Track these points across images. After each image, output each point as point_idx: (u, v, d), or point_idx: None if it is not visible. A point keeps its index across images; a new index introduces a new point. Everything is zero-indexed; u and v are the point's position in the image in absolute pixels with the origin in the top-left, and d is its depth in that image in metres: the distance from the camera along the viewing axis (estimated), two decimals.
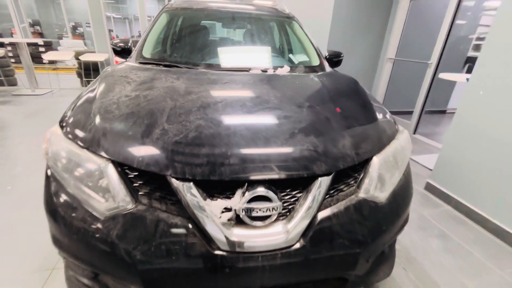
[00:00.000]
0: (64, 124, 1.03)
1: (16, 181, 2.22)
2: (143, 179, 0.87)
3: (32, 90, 5.18)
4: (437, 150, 3.36)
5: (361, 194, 0.96)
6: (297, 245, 0.86)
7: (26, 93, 5.06)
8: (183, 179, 0.81)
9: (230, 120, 1.01)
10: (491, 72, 1.91)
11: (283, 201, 0.87)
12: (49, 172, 0.96)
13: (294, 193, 0.89)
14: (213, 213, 0.81)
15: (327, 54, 2.08)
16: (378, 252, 1.02)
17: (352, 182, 0.99)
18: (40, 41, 6.44)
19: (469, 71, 5.22)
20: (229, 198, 0.84)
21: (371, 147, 1.03)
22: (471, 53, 5.04)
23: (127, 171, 0.87)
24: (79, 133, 0.95)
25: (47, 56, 5.19)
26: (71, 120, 1.03)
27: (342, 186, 0.97)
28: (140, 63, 1.59)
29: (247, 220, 0.82)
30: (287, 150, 0.90)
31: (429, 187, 2.41)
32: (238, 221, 0.85)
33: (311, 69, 1.77)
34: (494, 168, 1.90)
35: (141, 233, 0.81)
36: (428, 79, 3.53)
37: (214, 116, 1.00)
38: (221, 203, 0.82)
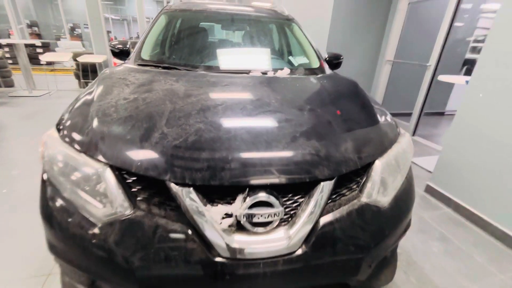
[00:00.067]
0: (61, 127, 1.01)
1: (12, 184, 2.19)
2: (142, 184, 0.85)
3: (29, 91, 5.14)
4: (436, 152, 3.36)
5: (364, 199, 0.95)
6: (299, 251, 0.84)
7: (23, 95, 5.02)
8: (183, 184, 0.79)
9: (231, 123, 0.99)
10: (491, 74, 1.91)
11: (284, 206, 0.85)
12: (45, 177, 0.94)
13: (296, 198, 0.88)
14: (213, 219, 0.79)
15: (327, 56, 2.07)
16: (381, 257, 1.01)
17: (354, 186, 0.98)
18: (37, 42, 6.40)
19: (467, 73, 5.25)
20: (230, 203, 0.83)
21: (373, 150, 1.01)
22: (468, 55, 5.07)
23: (125, 176, 0.85)
24: (76, 136, 0.93)
25: (44, 57, 5.15)
26: (68, 123, 1.01)
27: (344, 191, 0.96)
28: (139, 65, 1.58)
29: (248, 226, 0.81)
30: (288, 154, 0.88)
31: (429, 190, 2.41)
32: (238, 227, 0.83)
33: (311, 71, 1.76)
34: (494, 170, 1.90)
35: (139, 239, 0.79)
36: (427, 81, 3.54)
37: (214, 119, 0.98)
38: (221, 208, 0.81)
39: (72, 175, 0.86)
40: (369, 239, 0.92)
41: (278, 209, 0.81)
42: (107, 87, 1.21)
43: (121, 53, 1.84)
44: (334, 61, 2.06)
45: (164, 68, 1.53)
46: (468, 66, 5.33)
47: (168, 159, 0.82)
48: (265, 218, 0.80)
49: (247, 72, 1.55)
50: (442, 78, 2.82)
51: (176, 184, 0.79)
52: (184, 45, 1.90)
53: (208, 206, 0.81)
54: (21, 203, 1.96)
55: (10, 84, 5.50)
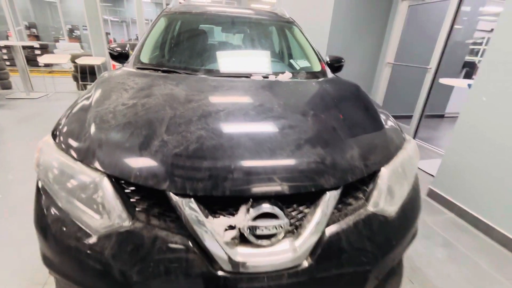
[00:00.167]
0: (57, 133, 0.98)
1: (7, 190, 2.15)
2: (141, 195, 0.81)
3: (26, 93, 5.09)
4: (438, 155, 3.34)
5: (370, 208, 0.92)
6: (305, 264, 0.81)
7: (20, 97, 4.97)
8: (184, 195, 0.76)
9: (233, 130, 0.96)
10: (494, 77, 1.89)
11: (289, 217, 0.82)
12: (40, 185, 0.91)
13: (300, 208, 0.85)
14: (215, 232, 0.76)
15: (328, 59, 2.05)
16: (388, 269, 0.97)
17: (360, 195, 0.95)
18: (35, 44, 6.36)
19: (466, 75, 5.25)
20: (232, 214, 0.79)
21: (379, 157, 0.99)
22: (468, 58, 5.07)
23: (123, 185, 0.82)
24: (73, 144, 0.90)
25: (42, 59, 5.12)
26: (64, 129, 0.97)
27: (349, 200, 0.93)
28: (138, 68, 1.55)
29: (252, 239, 0.77)
30: (293, 163, 0.85)
31: (432, 194, 2.38)
32: (241, 239, 0.79)
33: (313, 75, 1.73)
34: (498, 174, 1.88)
35: (138, 252, 0.76)
36: (428, 84, 3.52)
37: (216, 126, 0.95)
38: (224, 220, 0.77)
39: (68, 184, 0.83)
40: (376, 250, 0.88)
41: (283, 220, 0.78)
42: (105, 92, 1.17)
43: (120, 56, 1.81)
44: (336, 64, 2.04)
45: (163, 71, 1.50)
46: (468, 69, 5.34)
47: (168, 168, 0.79)
48: (269, 230, 0.77)
49: (248, 76, 1.53)
50: (443, 81, 2.81)
51: (177, 194, 0.76)
52: (184, 48, 1.87)
53: (210, 217, 0.78)
54: (17, 209, 1.91)
55: (7, 86, 5.44)
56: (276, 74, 1.59)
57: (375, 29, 4.10)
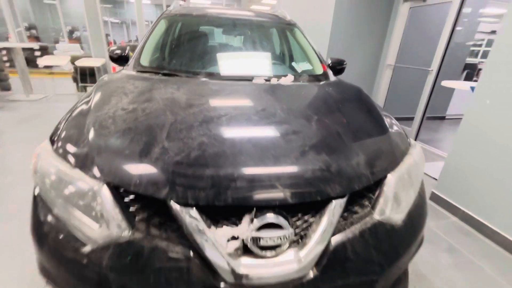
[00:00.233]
0: (55, 139, 0.95)
1: (5, 192, 2.12)
2: (141, 203, 0.79)
3: (26, 95, 5.07)
4: (440, 157, 3.32)
5: (376, 216, 0.89)
6: (310, 275, 0.78)
7: (20, 99, 4.95)
8: (185, 204, 0.73)
9: (235, 136, 0.94)
10: (498, 79, 1.87)
11: (294, 226, 0.80)
12: (36, 193, 0.88)
13: (306, 217, 0.82)
14: (218, 242, 0.73)
15: (330, 62, 2.02)
16: (395, 278, 0.95)
17: (366, 203, 0.92)
18: (35, 45, 6.32)
19: (467, 77, 5.23)
20: (235, 224, 0.77)
21: (386, 164, 0.96)
22: (469, 60, 5.05)
23: (123, 194, 0.79)
24: (71, 150, 0.88)
25: (42, 62, 5.09)
26: (62, 135, 0.95)
27: (355, 208, 0.90)
28: (138, 71, 1.52)
29: (256, 250, 0.75)
30: (298, 171, 0.83)
31: (434, 198, 2.36)
32: (244, 249, 0.77)
33: (315, 77, 1.71)
34: (502, 177, 1.85)
35: (137, 263, 0.73)
36: (429, 86, 3.50)
37: (218, 132, 0.93)
38: (226, 231, 0.75)
39: (66, 192, 0.80)
40: (383, 260, 0.86)
41: (288, 231, 0.75)
42: (104, 96, 1.15)
43: (120, 59, 1.79)
44: (338, 67, 2.02)
45: (164, 74, 1.48)
46: (469, 70, 5.32)
47: (169, 176, 0.77)
48: (273, 241, 0.74)
49: (250, 79, 1.50)
50: (445, 83, 2.79)
51: (178, 204, 0.73)
52: (185, 51, 1.85)
53: (212, 227, 0.75)
54: (14, 213, 1.88)
55: (7, 88, 5.42)
56: (278, 77, 1.57)
57: (376, 31, 4.09)
